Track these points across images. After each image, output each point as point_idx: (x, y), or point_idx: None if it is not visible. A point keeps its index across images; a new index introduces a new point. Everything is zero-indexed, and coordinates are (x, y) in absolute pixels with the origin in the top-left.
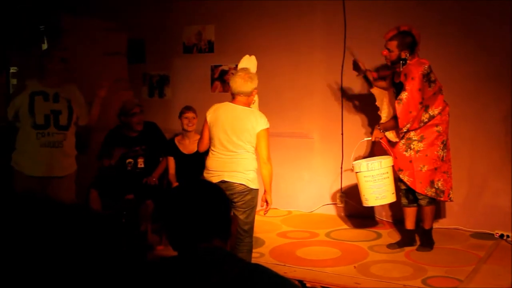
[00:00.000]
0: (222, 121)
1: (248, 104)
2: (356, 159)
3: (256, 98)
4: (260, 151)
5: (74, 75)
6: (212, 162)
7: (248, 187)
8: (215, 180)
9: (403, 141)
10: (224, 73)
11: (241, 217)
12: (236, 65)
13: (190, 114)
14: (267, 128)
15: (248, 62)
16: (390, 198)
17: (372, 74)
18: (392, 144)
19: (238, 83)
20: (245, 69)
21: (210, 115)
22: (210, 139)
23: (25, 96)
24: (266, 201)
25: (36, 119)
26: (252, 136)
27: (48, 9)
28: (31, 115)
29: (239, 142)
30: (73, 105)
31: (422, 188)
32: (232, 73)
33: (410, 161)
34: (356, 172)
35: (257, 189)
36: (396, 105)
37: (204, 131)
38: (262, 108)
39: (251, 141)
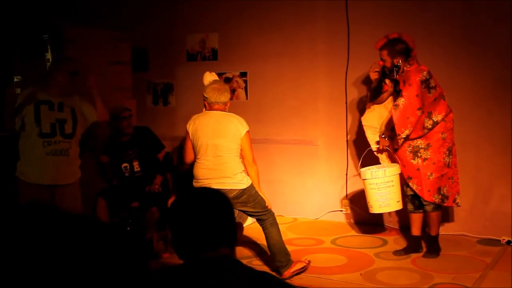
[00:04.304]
0: (203, 127)
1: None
2: (368, 164)
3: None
4: (245, 154)
5: (79, 84)
6: (198, 170)
7: (239, 189)
8: None
9: (410, 149)
10: (228, 80)
11: (249, 210)
12: (240, 73)
13: None
14: (248, 131)
15: (211, 78)
16: (395, 206)
17: (385, 87)
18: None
19: (216, 94)
20: (218, 81)
21: (190, 126)
22: (194, 148)
23: (30, 105)
24: None
25: (42, 128)
26: (236, 137)
27: (51, 18)
28: (37, 124)
29: (224, 143)
30: (77, 114)
31: (430, 196)
32: (237, 81)
33: (418, 169)
34: (363, 179)
35: (249, 185)
36: (393, 111)
37: (187, 142)
38: (266, 116)
39: (236, 141)
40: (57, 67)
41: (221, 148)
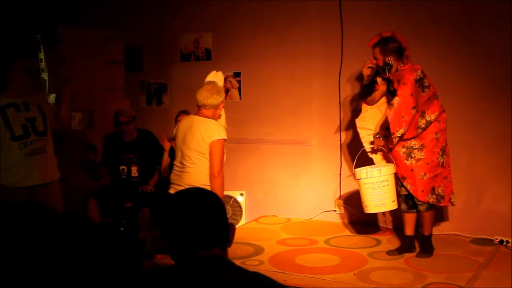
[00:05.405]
0: (179, 132)
1: (214, 117)
2: (362, 165)
3: (223, 112)
4: (211, 163)
5: (72, 84)
6: (171, 174)
7: None
8: None
9: (403, 150)
10: None
11: None
12: (234, 73)
13: (182, 117)
14: (221, 140)
15: (215, 77)
16: (390, 205)
17: (376, 86)
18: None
19: (205, 96)
20: (212, 82)
21: (175, 129)
22: None
23: None
24: None
25: (14, 131)
26: (200, 147)
27: (44, 18)
28: (8, 128)
29: (187, 152)
30: (45, 110)
31: (424, 196)
32: (230, 81)
33: (411, 170)
34: (358, 179)
35: None
36: (388, 110)
37: None
38: (260, 116)
39: (199, 151)
40: (10, 66)
41: (184, 156)
